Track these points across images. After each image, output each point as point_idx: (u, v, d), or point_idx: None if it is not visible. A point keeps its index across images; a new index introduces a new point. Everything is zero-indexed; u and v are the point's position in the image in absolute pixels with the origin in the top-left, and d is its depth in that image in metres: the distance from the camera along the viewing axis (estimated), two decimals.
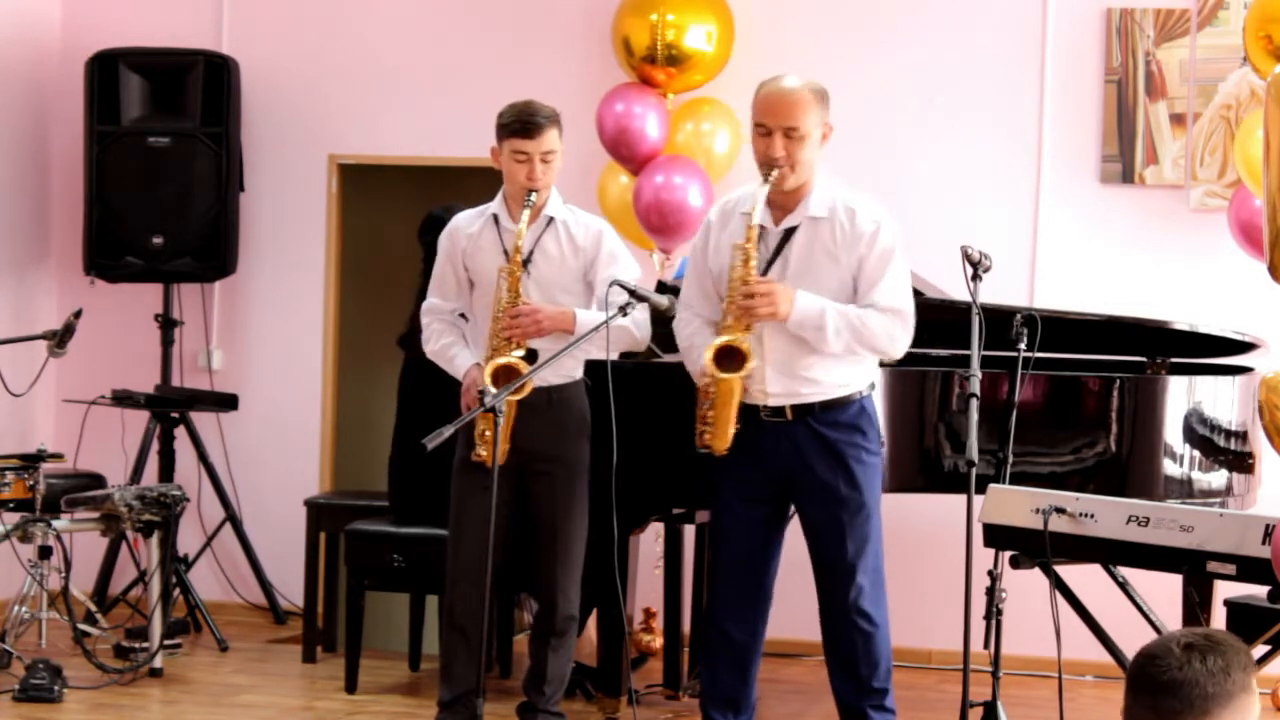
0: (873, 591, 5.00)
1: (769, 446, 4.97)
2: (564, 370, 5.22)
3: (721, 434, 4.89)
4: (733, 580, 5.11)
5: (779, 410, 4.96)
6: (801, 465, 4.96)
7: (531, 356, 5.17)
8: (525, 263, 5.25)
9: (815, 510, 5.01)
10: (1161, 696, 2.47)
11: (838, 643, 5.06)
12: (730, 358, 4.84)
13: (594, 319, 5.17)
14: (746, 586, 5.09)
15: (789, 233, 4.95)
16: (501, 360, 5.14)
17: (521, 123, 5.22)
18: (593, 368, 5.40)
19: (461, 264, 5.39)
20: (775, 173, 4.86)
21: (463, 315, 5.46)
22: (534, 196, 5.20)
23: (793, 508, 5.11)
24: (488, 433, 5.13)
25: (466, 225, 5.41)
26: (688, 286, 5.17)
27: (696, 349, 4.99)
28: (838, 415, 4.96)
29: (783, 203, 4.96)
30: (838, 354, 4.90)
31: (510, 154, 5.23)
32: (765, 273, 4.93)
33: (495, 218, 5.34)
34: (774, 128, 4.87)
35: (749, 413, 4.96)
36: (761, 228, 4.95)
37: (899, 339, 4.92)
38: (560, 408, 5.30)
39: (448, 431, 4.78)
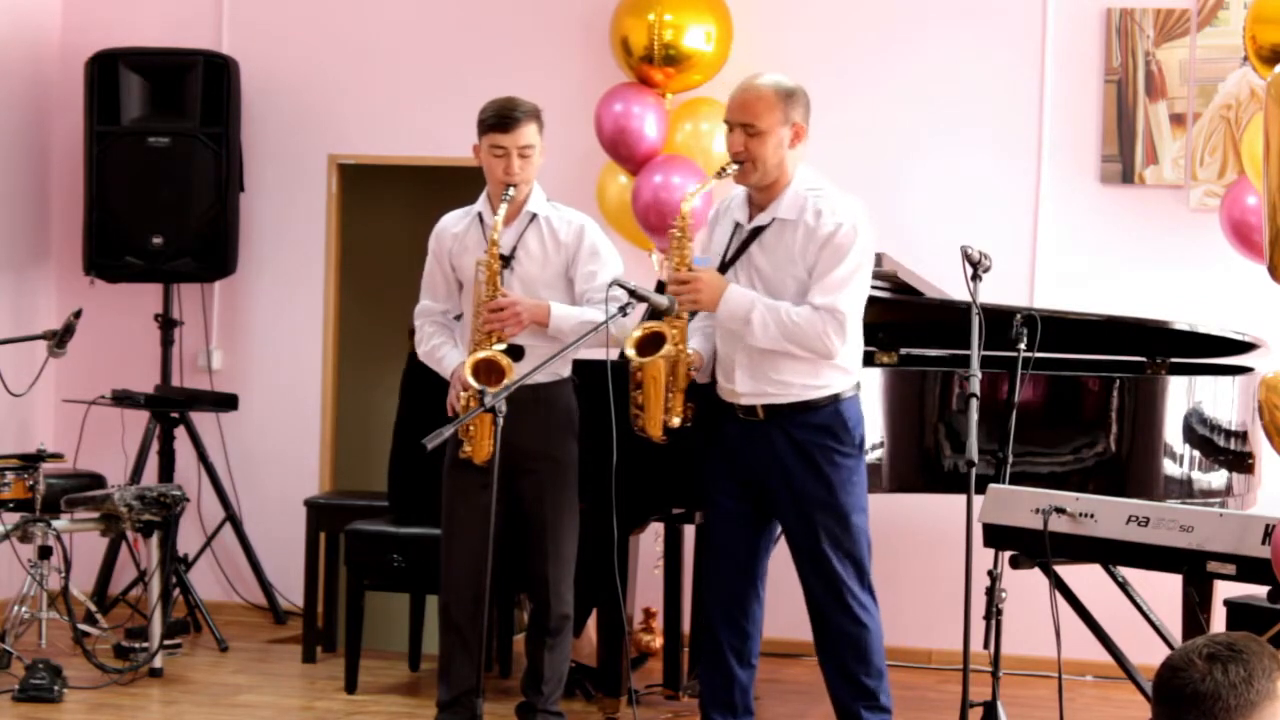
0: (858, 592, 5.00)
1: (745, 446, 5.00)
2: (550, 368, 5.21)
3: (653, 420, 4.93)
4: (723, 580, 5.12)
5: (751, 410, 4.98)
6: (775, 467, 4.97)
7: (513, 351, 5.17)
8: (509, 259, 5.26)
9: (790, 514, 5.02)
10: (1185, 709, 2.47)
11: (826, 644, 5.06)
12: (656, 343, 4.91)
13: (570, 313, 5.21)
14: (738, 586, 5.10)
15: (756, 231, 4.97)
16: (481, 355, 5.14)
17: (499, 118, 5.23)
18: (588, 367, 5.40)
19: (449, 264, 5.40)
20: (732, 168, 4.92)
21: (457, 317, 5.46)
22: (511, 191, 5.20)
23: None
24: (472, 429, 5.14)
25: (453, 225, 5.43)
26: None
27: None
28: (810, 417, 4.96)
29: (760, 202, 4.99)
30: (769, 349, 4.89)
31: (489, 149, 5.25)
32: (726, 267, 4.98)
33: (480, 216, 5.36)
34: (734, 123, 4.93)
35: (727, 411, 5.00)
36: (737, 225, 5.01)
37: (830, 339, 4.86)
38: (547, 405, 5.30)
39: (447, 431, 4.78)
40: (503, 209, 5.20)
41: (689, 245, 4.96)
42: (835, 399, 4.97)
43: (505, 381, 5.02)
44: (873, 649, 5.03)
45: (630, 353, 4.90)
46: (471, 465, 5.20)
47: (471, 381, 5.08)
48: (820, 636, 5.08)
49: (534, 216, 5.33)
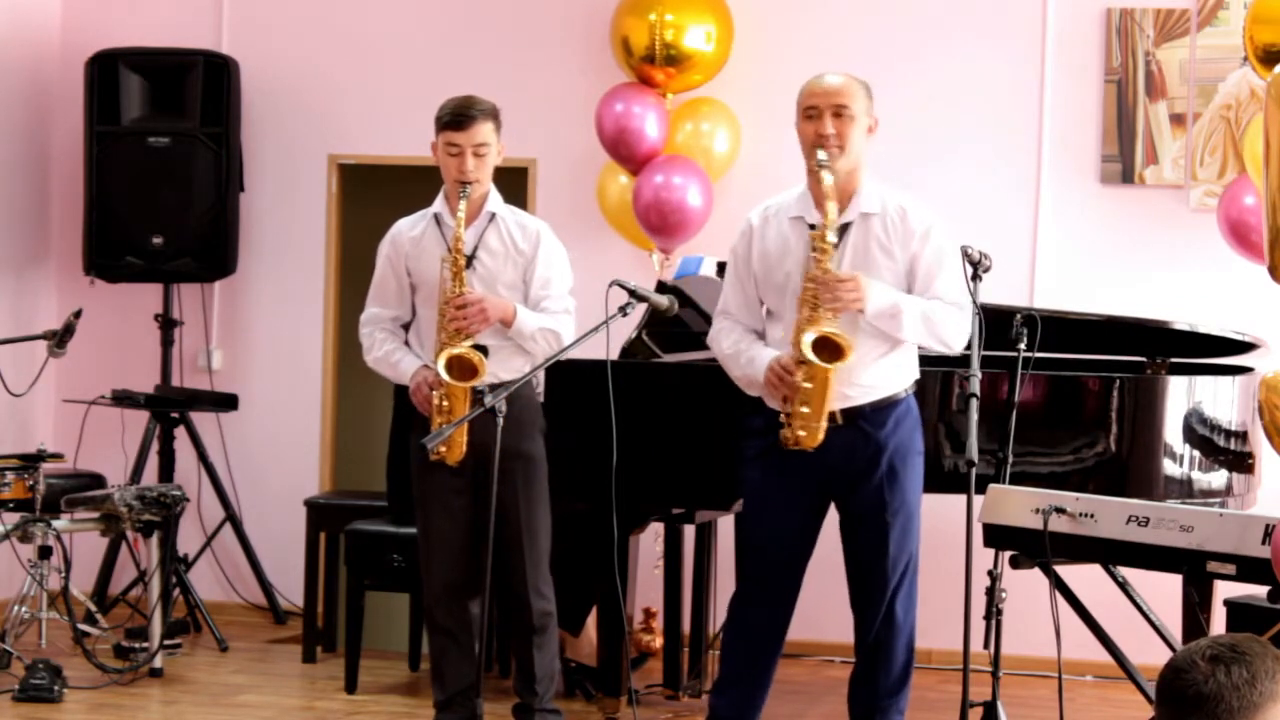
0: (907, 592, 5.03)
1: (819, 451, 4.89)
2: (514, 367, 5.21)
3: (816, 430, 4.83)
4: (765, 580, 5.06)
5: (829, 415, 4.91)
6: (849, 466, 4.95)
7: (482, 349, 5.16)
8: (470, 258, 5.24)
9: (860, 511, 4.99)
10: (1188, 711, 2.47)
11: (864, 639, 5.06)
12: (828, 350, 4.79)
13: (533, 318, 5.22)
14: (784, 602, 5.07)
15: (843, 229, 4.93)
16: (454, 351, 5.13)
17: (454, 116, 5.22)
18: (587, 367, 5.39)
19: (404, 269, 5.37)
20: (824, 154, 4.84)
21: (405, 326, 5.44)
22: (468, 189, 5.19)
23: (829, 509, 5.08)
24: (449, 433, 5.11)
25: (409, 230, 5.41)
26: (729, 294, 5.11)
27: (744, 354, 4.97)
28: (886, 415, 4.96)
29: (834, 199, 4.92)
30: (886, 352, 4.90)
31: (444, 147, 5.25)
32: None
33: (436, 217, 5.35)
34: (824, 107, 4.89)
35: None
36: (812, 226, 4.92)
37: (964, 332, 4.94)
38: (514, 404, 5.25)
39: (448, 431, 4.78)
40: (463, 204, 5.18)
41: (831, 250, 4.84)
42: (904, 395, 5.02)
43: (479, 377, 5.03)
44: (899, 652, 5.05)
45: (811, 356, 4.77)
46: (444, 466, 5.19)
47: (446, 378, 5.07)
48: (860, 631, 5.07)
49: (493, 216, 5.33)
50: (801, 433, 4.85)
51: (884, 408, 4.97)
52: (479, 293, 5.19)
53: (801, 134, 4.95)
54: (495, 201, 5.35)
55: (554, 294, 5.29)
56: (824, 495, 5.02)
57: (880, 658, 5.03)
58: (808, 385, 4.80)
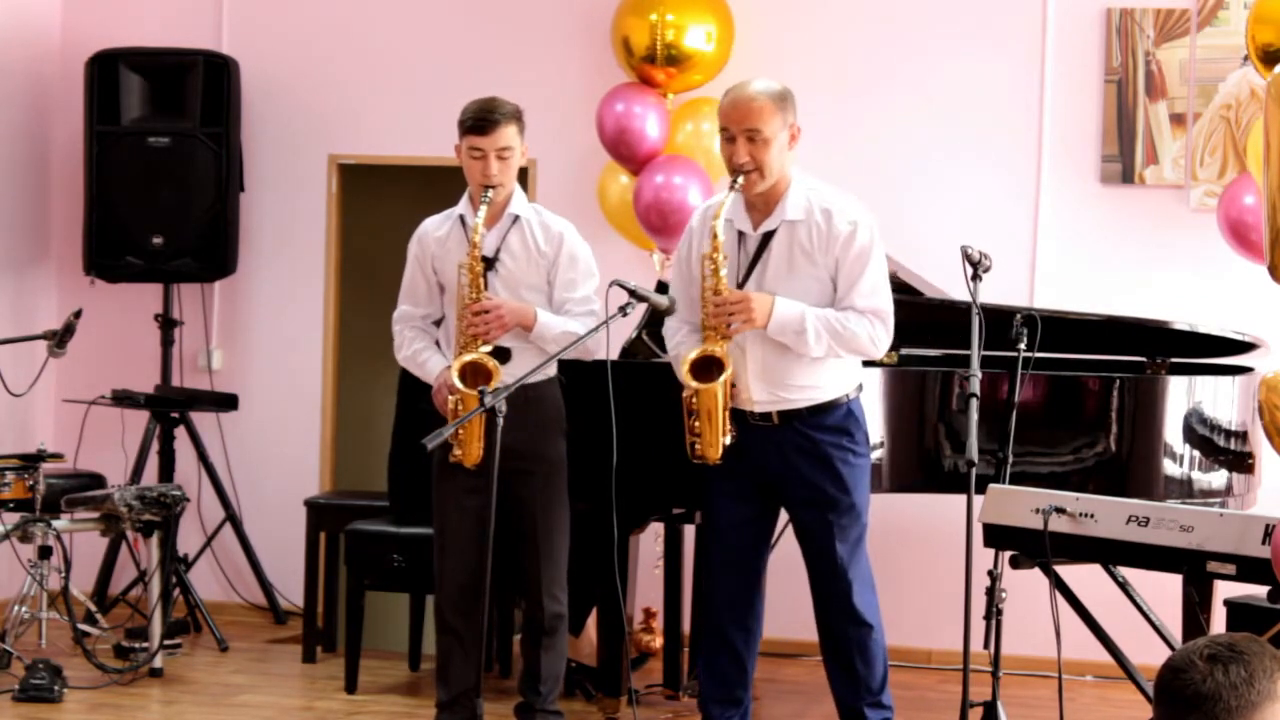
0: (864, 591, 5.02)
1: (757, 449, 4.98)
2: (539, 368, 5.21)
3: (712, 444, 4.90)
4: (726, 579, 5.13)
5: (765, 416, 4.98)
6: (789, 469, 4.98)
7: (500, 353, 5.16)
8: (493, 261, 5.24)
9: (804, 514, 5.03)
10: (1186, 711, 2.47)
11: (833, 644, 5.08)
12: (708, 368, 4.87)
13: (554, 322, 5.22)
14: (740, 585, 5.11)
15: (767, 237, 4.96)
16: (468, 358, 5.13)
17: (477, 119, 5.22)
18: (590, 367, 5.39)
19: (431, 268, 5.38)
20: (741, 179, 4.88)
21: (436, 322, 5.44)
22: (490, 193, 5.19)
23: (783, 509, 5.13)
24: (461, 433, 5.11)
25: (434, 229, 5.41)
26: (673, 293, 5.16)
27: (680, 360, 5.01)
28: (824, 419, 4.97)
29: (761, 207, 4.97)
30: (819, 358, 4.91)
31: (467, 150, 5.24)
32: (746, 278, 4.96)
33: (461, 219, 5.35)
34: (736, 132, 4.89)
35: (738, 416, 4.97)
36: (740, 234, 4.98)
37: (879, 339, 4.92)
38: (536, 405, 5.27)
39: (447, 431, 4.78)
40: (483, 209, 5.18)
41: (723, 266, 4.89)
42: (846, 399, 5.00)
43: (494, 383, 5.02)
44: (875, 649, 5.06)
45: (688, 381, 4.87)
46: (461, 468, 5.19)
47: (459, 385, 5.07)
48: (825, 636, 5.09)
49: (516, 218, 5.32)
50: (699, 448, 4.92)
51: (822, 411, 4.98)
52: (497, 299, 5.19)
53: (721, 153, 4.98)
54: (519, 203, 5.34)
55: (578, 296, 5.29)
56: (769, 494, 5.05)
57: (860, 656, 5.04)
58: (695, 403, 4.87)
